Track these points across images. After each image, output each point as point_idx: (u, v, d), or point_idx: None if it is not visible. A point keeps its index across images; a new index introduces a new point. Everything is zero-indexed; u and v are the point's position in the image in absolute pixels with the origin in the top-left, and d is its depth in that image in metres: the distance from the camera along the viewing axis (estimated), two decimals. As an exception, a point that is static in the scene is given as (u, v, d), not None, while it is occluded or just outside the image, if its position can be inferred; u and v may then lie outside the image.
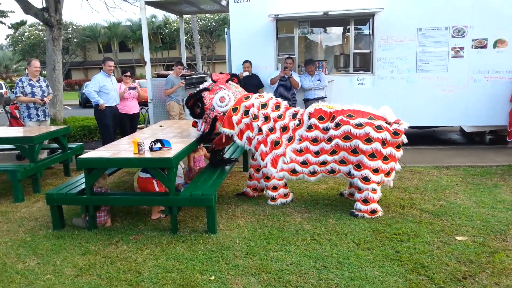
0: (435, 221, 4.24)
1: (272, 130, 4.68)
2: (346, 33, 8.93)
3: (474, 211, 4.49)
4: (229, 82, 5.03)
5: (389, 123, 4.37)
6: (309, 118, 4.65)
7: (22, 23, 38.33)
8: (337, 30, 9.52)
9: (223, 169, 5.00)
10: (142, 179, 4.59)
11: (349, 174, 4.47)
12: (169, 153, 4.09)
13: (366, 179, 4.33)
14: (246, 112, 4.72)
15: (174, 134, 5.19)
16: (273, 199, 4.79)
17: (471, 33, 7.67)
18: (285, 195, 4.86)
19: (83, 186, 4.33)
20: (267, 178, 4.72)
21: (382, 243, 3.75)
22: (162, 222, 4.44)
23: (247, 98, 4.83)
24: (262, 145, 4.68)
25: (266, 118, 4.70)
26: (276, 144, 4.65)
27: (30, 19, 40.32)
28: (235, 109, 4.74)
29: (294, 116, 4.76)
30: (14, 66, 36.13)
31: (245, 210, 4.70)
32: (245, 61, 7.92)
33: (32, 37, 36.55)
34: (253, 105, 4.73)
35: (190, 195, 4.03)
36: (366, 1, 7.72)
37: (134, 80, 21.88)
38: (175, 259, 3.56)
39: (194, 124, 5.05)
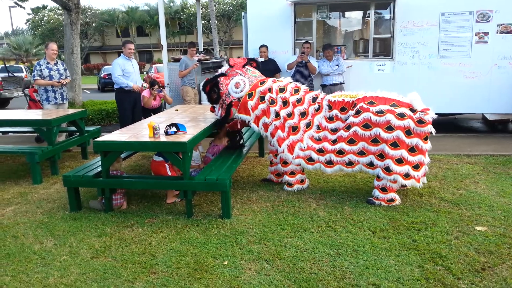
0: (454, 210, 4.14)
1: (290, 115, 4.61)
2: (366, 18, 8.74)
3: (495, 200, 4.36)
4: (246, 67, 4.96)
5: (414, 111, 4.21)
6: (330, 108, 4.57)
7: (43, 7, 38.75)
8: (357, 15, 9.32)
9: (238, 154, 4.97)
10: (155, 162, 4.60)
11: (370, 164, 4.33)
12: (184, 137, 4.07)
13: (388, 170, 4.20)
14: (262, 98, 4.65)
15: (190, 118, 5.17)
16: (290, 184, 4.75)
17: (497, 18, 7.40)
18: (302, 181, 4.81)
19: (100, 169, 4.36)
20: (285, 163, 4.67)
21: (399, 232, 3.69)
22: (177, 206, 4.45)
23: (262, 83, 4.75)
24: (279, 131, 4.60)
25: (285, 103, 4.62)
26: (294, 130, 4.58)
27: (50, 3, 40.72)
28: (250, 95, 4.68)
29: (314, 100, 4.68)
30: (34, 50, 36.63)
31: (260, 196, 4.68)
32: (262, 46, 7.82)
33: (51, 21, 36.93)
34: (269, 90, 4.66)
35: (204, 180, 4.02)
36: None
37: (151, 66, 21.82)
38: (189, 243, 3.57)
39: (212, 110, 5.04)
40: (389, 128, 4.16)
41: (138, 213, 4.28)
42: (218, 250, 3.43)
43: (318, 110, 4.62)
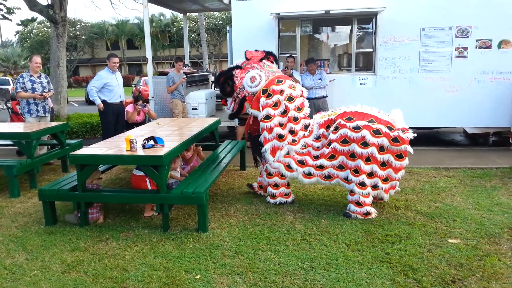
0: (429, 223, 4.18)
1: (281, 125, 4.57)
2: (352, 32, 8.88)
3: (469, 213, 4.42)
4: (263, 61, 4.82)
5: (392, 129, 4.21)
6: (318, 129, 4.61)
7: (32, 20, 38.64)
8: (342, 29, 9.46)
9: (217, 166, 4.98)
10: (135, 176, 4.59)
11: (346, 179, 4.39)
12: (161, 151, 4.08)
13: (363, 184, 4.27)
14: (269, 95, 4.54)
15: (170, 132, 5.18)
16: (273, 196, 4.73)
17: (475, 33, 7.57)
18: (286, 195, 4.77)
19: (76, 183, 4.34)
20: (270, 174, 4.67)
21: (373, 245, 3.71)
22: (154, 220, 4.43)
23: (279, 81, 4.61)
24: (266, 132, 4.58)
25: (284, 112, 4.56)
26: (280, 137, 4.56)
27: (40, 16, 40.67)
28: (265, 91, 4.57)
29: (306, 127, 4.68)
30: (23, 62, 36.40)
31: (238, 209, 4.68)
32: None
33: (40, 34, 36.85)
34: (280, 93, 4.55)
35: (181, 193, 4.01)
36: (369, 0, 7.65)
37: (140, 78, 21.84)
38: (163, 257, 3.55)
39: (224, 103, 5.01)
40: (364, 144, 4.20)
41: (114, 227, 4.25)
42: (191, 264, 3.41)
43: (307, 135, 4.64)
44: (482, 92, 7.70)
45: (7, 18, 13.71)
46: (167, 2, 9.56)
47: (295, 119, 4.59)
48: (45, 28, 37.20)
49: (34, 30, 38.36)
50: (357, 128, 4.23)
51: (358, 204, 4.31)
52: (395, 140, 4.16)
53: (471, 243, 3.71)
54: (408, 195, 5.08)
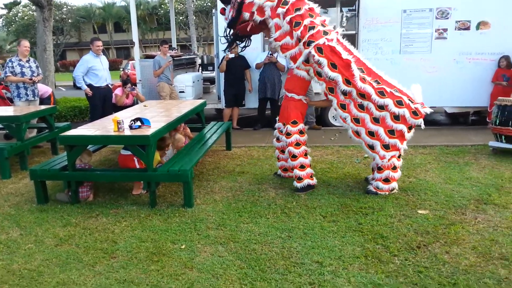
0: (401, 196, 4.45)
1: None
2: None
3: (440, 187, 4.70)
4: None
5: (412, 102, 4.37)
6: None
7: (16, 3, 37.98)
8: (330, 12, 9.58)
9: (202, 146, 5.18)
10: (122, 156, 4.77)
11: (371, 147, 4.48)
12: (148, 131, 4.26)
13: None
14: (297, 10, 4.30)
15: (156, 114, 5.35)
16: (300, 179, 4.57)
17: (455, 15, 7.77)
18: (311, 177, 4.68)
19: (66, 163, 4.52)
20: (294, 156, 4.59)
21: (348, 216, 3.97)
22: (142, 198, 4.64)
23: None
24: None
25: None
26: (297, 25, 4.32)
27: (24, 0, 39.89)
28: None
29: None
30: (8, 47, 35.95)
31: (222, 186, 4.90)
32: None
33: (26, 18, 36.24)
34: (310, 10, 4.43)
35: (167, 171, 4.22)
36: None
37: (128, 62, 21.65)
38: (150, 230, 3.78)
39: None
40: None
41: (104, 204, 4.45)
42: (177, 236, 3.64)
43: None
44: (461, 73, 7.94)
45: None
46: (153, -15, 9.58)
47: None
48: (30, 12, 36.58)
49: (19, 14, 37.70)
50: (382, 94, 4.30)
51: (387, 180, 4.45)
52: (415, 113, 4.36)
53: (439, 214, 3.99)
54: (385, 171, 5.33)
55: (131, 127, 4.41)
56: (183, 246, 3.45)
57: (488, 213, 3.97)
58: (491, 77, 7.81)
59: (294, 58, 4.48)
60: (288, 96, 4.70)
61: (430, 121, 9.12)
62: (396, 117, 4.33)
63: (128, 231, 3.77)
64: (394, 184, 4.49)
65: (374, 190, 4.48)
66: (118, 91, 7.37)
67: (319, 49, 4.30)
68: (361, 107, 4.41)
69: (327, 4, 8.61)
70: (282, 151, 4.92)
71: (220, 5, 8.03)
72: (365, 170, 5.35)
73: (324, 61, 4.29)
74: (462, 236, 3.51)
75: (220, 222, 3.91)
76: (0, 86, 8.02)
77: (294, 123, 4.62)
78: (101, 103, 7.30)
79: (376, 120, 4.38)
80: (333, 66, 4.30)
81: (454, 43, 7.86)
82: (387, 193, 4.46)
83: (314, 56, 4.31)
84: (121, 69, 24.43)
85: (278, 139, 4.97)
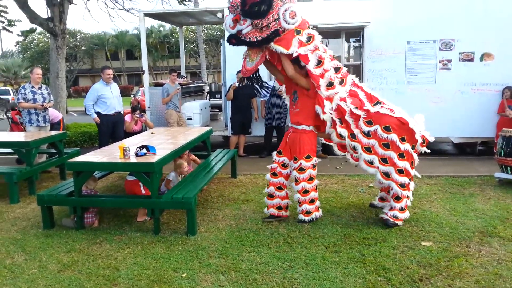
0: (405, 227, 4.43)
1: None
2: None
3: (445, 218, 4.67)
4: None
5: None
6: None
7: (32, 30, 39.08)
8: (334, 42, 9.78)
9: (207, 174, 5.24)
10: (129, 182, 4.84)
11: (386, 174, 4.42)
12: (153, 158, 4.34)
13: (403, 186, 4.39)
14: (309, 39, 4.22)
15: (163, 141, 5.44)
16: (308, 213, 4.50)
17: (459, 47, 7.88)
18: (318, 208, 4.63)
19: (73, 188, 4.59)
20: (306, 192, 4.44)
21: (350, 247, 3.95)
22: (146, 224, 4.67)
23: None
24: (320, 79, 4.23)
25: (337, 70, 4.43)
26: (331, 84, 4.30)
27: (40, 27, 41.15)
28: (298, 31, 4.20)
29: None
30: (23, 73, 36.82)
31: (226, 214, 4.93)
32: (239, 71, 8.18)
33: (40, 44, 37.28)
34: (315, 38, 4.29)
35: (171, 198, 4.27)
36: (357, 14, 7.97)
37: (139, 88, 22.07)
38: (152, 257, 3.80)
39: (238, 17, 4.20)
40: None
41: (108, 230, 4.49)
42: (179, 264, 3.66)
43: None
44: (466, 103, 7.99)
45: (8, 30, 14.06)
46: (163, 16, 9.89)
47: (337, 70, 4.45)
48: (45, 39, 37.65)
49: (34, 41, 38.80)
50: (388, 130, 4.29)
51: (402, 209, 4.41)
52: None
53: (443, 246, 3.96)
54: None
55: (137, 154, 4.49)
56: (184, 275, 3.46)
57: (492, 246, 3.93)
58: (496, 107, 7.83)
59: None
60: (298, 128, 4.52)
61: (436, 150, 9.12)
62: (403, 139, 4.33)
63: (130, 258, 3.79)
64: (407, 213, 4.49)
65: (393, 220, 4.40)
66: (127, 118, 7.52)
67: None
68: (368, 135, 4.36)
69: (332, 35, 8.82)
70: (279, 188, 4.61)
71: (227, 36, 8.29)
72: (369, 200, 5.35)
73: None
74: (465, 269, 3.48)
75: (222, 250, 3.92)
76: (14, 112, 8.22)
77: (308, 157, 4.45)
78: (109, 130, 7.42)
79: (386, 145, 4.32)
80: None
81: (458, 74, 7.94)
82: (401, 222, 4.43)
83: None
84: (132, 95, 24.88)
85: (275, 175, 4.62)
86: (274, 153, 4.72)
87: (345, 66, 8.28)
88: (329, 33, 8.71)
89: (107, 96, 7.34)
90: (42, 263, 3.73)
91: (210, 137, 6.75)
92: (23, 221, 4.90)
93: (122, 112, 7.70)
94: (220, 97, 11.67)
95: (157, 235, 4.32)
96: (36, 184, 6.12)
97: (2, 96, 18.71)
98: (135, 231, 4.47)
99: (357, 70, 8.51)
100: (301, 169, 4.43)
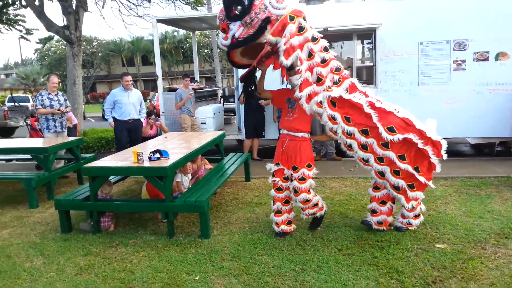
0: (419, 229, 4.40)
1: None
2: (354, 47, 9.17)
3: (460, 220, 4.62)
4: None
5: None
6: None
7: (50, 38, 39.93)
8: (346, 44, 9.78)
9: (220, 177, 5.29)
10: (150, 184, 4.92)
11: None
12: (166, 163, 4.41)
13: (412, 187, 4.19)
14: (301, 29, 3.88)
15: (176, 145, 5.52)
16: (314, 214, 4.38)
17: (473, 46, 7.77)
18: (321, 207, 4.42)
19: (89, 193, 4.69)
20: (307, 201, 4.23)
21: (363, 249, 3.95)
22: (161, 227, 4.74)
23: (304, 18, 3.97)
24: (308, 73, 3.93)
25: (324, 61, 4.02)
26: (319, 80, 3.96)
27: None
28: (292, 18, 3.83)
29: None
30: (42, 80, 37.57)
31: (239, 217, 4.96)
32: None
33: (58, 52, 38.06)
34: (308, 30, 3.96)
35: (184, 202, 4.33)
36: (368, 16, 7.95)
37: (155, 94, 22.30)
38: (166, 260, 3.86)
39: (225, 26, 3.94)
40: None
41: (124, 234, 4.57)
42: (192, 267, 3.71)
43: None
44: (482, 103, 7.86)
45: (26, 39, 14.42)
46: (176, 22, 10.01)
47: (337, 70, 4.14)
48: (62, 46, 38.44)
49: (52, 48, 39.66)
50: (392, 131, 3.99)
51: (417, 216, 4.34)
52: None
53: (457, 248, 3.92)
54: (403, 203, 5.28)
55: (150, 159, 4.57)
56: (197, 278, 3.50)
57: (509, 248, 3.88)
58: (513, 107, 7.70)
59: (309, 97, 4.00)
60: (298, 136, 4.22)
61: (453, 152, 8.98)
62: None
63: (145, 261, 3.86)
64: (422, 218, 4.40)
65: (406, 227, 4.33)
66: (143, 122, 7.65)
67: (333, 102, 4.03)
68: (385, 145, 4.04)
69: (343, 37, 8.81)
70: (286, 202, 4.35)
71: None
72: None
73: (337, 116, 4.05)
74: (480, 272, 3.45)
75: (235, 253, 3.95)
76: (33, 119, 8.43)
77: (310, 166, 4.21)
78: (124, 135, 7.55)
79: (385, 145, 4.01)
80: (347, 119, 4.05)
81: (473, 74, 7.82)
82: (414, 228, 4.36)
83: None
84: (148, 101, 25.18)
85: (280, 190, 4.33)
86: (270, 166, 4.43)
87: (358, 68, 8.47)
88: (340, 35, 8.73)
89: (122, 102, 7.49)
90: (60, 267, 3.83)
91: (225, 141, 6.81)
92: (42, 225, 5.02)
93: (142, 119, 7.76)
94: (234, 101, 11.74)
95: (171, 238, 4.38)
96: (54, 189, 6.26)
97: (21, 103, 19.14)
98: (150, 234, 4.54)
99: (370, 72, 8.48)
100: (302, 179, 4.16)
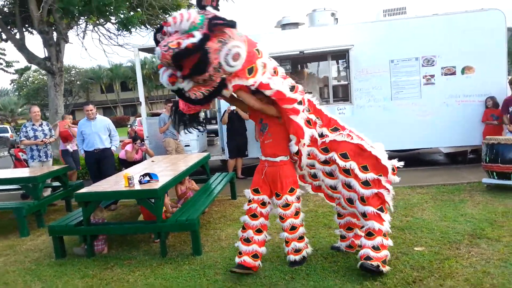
0: (399, 235, 4.68)
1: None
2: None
3: (436, 224, 4.93)
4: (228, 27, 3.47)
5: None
6: None
7: (26, 68, 39.79)
8: (322, 64, 10.19)
9: (208, 196, 5.50)
10: (143, 208, 5.09)
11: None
12: (156, 185, 4.61)
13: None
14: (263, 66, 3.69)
15: (163, 168, 5.72)
16: (298, 251, 4.02)
17: (440, 62, 8.30)
18: (306, 244, 4.17)
19: (81, 218, 4.83)
20: (293, 228, 3.97)
21: (347, 256, 4.20)
22: (153, 248, 4.90)
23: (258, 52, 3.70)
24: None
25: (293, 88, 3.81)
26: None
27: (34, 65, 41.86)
28: (250, 70, 3.60)
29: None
30: (20, 110, 37.24)
31: (229, 234, 5.16)
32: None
33: (36, 82, 37.87)
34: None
35: (175, 221, 4.52)
36: (341, 38, 8.40)
37: (135, 119, 22.32)
38: (162, 278, 4.03)
39: (173, 79, 3.52)
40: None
41: (118, 256, 4.72)
42: (187, 282, 3.89)
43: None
44: (452, 114, 8.34)
45: (6, 71, 14.47)
46: (158, 48, 10.28)
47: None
48: (40, 76, 38.27)
49: (30, 78, 39.41)
50: (345, 157, 3.83)
51: (376, 248, 3.71)
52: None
53: (434, 250, 4.21)
54: (383, 212, 5.58)
55: (140, 182, 4.76)
56: (193, 291, 3.69)
57: (481, 247, 4.19)
58: (481, 116, 8.18)
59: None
60: (276, 161, 3.98)
61: (428, 161, 9.44)
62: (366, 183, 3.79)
63: (141, 280, 4.01)
64: (386, 251, 3.77)
65: (369, 263, 3.65)
66: (128, 147, 7.79)
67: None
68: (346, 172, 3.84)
69: (319, 58, 9.24)
70: (259, 231, 3.99)
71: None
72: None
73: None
74: (455, 270, 3.73)
75: (228, 267, 4.14)
76: (17, 149, 8.50)
77: (292, 190, 3.96)
78: (94, 166, 7.13)
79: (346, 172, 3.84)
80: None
81: (442, 88, 8.32)
82: (380, 265, 3.65)
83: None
84: (129, 126, 25.21)
85: (255, 216, 3.99)
86: (248, 191, 4.12)
87: (334, 86, 8.88)
88: (316, 57, 9.15)
89: (86, 132, 7.02)
90: (58, 290, 3.95)
91: (209, 161, 7.03)
92: (35, 252, 5.11)
93: (113, 147, 7.25)
94: (216, 123, 12.02)
95: (164, 257, 4.55)
96: (43, 217, 6.33)
97: (1, 135, 19.02)
98: (143, 254, 4.70)
99: (345, 89, 8.90)
100: (286, 205, 3.93)
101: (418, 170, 8.14)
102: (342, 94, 9.08)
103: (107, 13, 10.12)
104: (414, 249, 4.26)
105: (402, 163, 4.00)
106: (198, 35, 3.31)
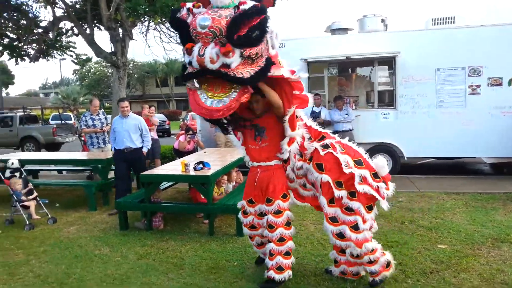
0: (426, 234, 5.06)
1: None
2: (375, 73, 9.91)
3: (463, 227, 5.24)
4: None
5: (377, 177, 3.62)
6: None
7: (88, 59, 42.44)
8: (368, 70, 10.50)
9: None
10: (194, 190, 5.80)
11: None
12: (208, 172, 5.28)
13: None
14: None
15: (214, 158, 6.40)
16: (281, 269, 3.70)
17: (487, 72, 8.39)
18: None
19: (142, 198, 5.59)
20: (282, 240, 3.71)
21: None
22: (202, 227, 5.58)
23: None
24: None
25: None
26: None
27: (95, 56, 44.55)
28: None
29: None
30: (81, 99, 39.76)
31: (269, 221, 5.75)
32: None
33: (97, 73, 40.32)
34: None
35: (223, 205, 5.17)
36: (388, 45, 8.71)
37: (187, 113, 23.42)
38: (209, 251, 4.69)
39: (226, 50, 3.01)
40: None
41: (172, 232, 5.44)
42: (230, 256, 4.52)
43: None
44: (496, 125, 8.41)
45: (76, 63, 15.89)
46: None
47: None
48: (101, 68, 40.77)
49: (91, 70, 42.06)
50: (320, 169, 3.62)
51: (371, 262, 3.67)
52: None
53: (456, 248, 4.57)
54: (415, 213, 5.94)
55: (195, 169, 5.45)
56: (235, 263, 4.31)
57: (502, 249, 4.50)
58: (526, 129, 8.22)
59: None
60: (270, 165, 3.74)
61: (473, 170, 9.53)
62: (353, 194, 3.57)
63: (192, 251, 4.70)
64: (385, 258, 3.75)
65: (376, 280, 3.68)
66: (181, 138, 8.57)
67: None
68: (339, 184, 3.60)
69: (365, 63, 9.58)
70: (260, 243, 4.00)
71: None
72: (397, 212, 5.95)
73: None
74: (472, 266, 4.09)
75: (266, 248, 4.73)
76: (83, 135, 9.57)
77: (285, 196, 3.74)
78: (122, 165, 6.63)
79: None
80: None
81: (487, 98, 8.41)
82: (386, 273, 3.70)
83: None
84: (181, 120, 26.47)
85: (253, 227, 3.94)
86: (243, 203, 3.97)
87: (379, 91, 9.20)
88: (363, 62, 9.51)
89: (117, 130, 6.59)
90: (123, 254, 4.71)
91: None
92: (102, 224, 5.95)
93: (144, 148, 6.72)
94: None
95: (211, 236, 5.21)
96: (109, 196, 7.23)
97: (67, 121, 20.83)
98: (193, 232, 5.39)
99: (390, 95, 9.19)
100: (278, 212, 3.66)
101: (459, 178, 8.31)
102: (389, 99, 9.36)
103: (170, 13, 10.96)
104: (437, 246, 4.63)
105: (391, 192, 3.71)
106: (250, 2, 3.02)
